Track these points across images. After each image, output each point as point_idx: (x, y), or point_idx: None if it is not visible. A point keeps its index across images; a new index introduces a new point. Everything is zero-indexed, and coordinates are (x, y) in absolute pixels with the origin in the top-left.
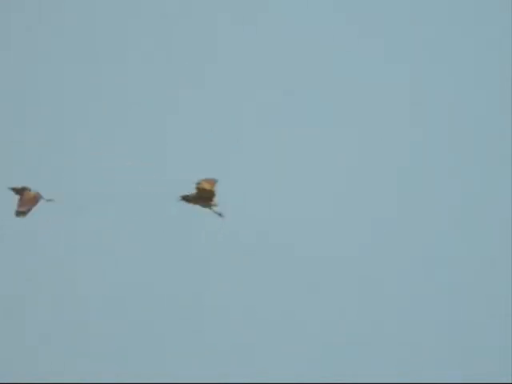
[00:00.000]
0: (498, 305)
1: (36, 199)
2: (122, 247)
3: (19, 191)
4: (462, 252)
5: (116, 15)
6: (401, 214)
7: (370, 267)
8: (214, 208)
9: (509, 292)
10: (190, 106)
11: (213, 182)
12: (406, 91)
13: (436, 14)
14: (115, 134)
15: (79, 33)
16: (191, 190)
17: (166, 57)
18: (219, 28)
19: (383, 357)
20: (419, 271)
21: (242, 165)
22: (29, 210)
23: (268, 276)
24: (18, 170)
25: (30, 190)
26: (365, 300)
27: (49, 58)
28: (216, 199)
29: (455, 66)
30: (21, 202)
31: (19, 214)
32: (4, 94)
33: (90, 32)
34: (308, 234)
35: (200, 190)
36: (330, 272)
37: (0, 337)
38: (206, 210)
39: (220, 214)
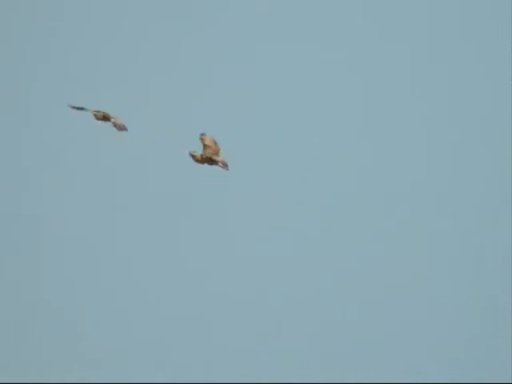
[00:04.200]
0: (498, 309)
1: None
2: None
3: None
4: (457, 249)
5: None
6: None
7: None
8: (220, 163)
9: (509, 296)
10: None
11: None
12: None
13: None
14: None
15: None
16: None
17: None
18: None
19: (383, 357)
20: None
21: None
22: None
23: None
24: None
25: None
26: (365, 299)
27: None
28: (220, 153)
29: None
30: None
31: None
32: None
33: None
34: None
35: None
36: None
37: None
38: (213, 167)
39: (226, 165)
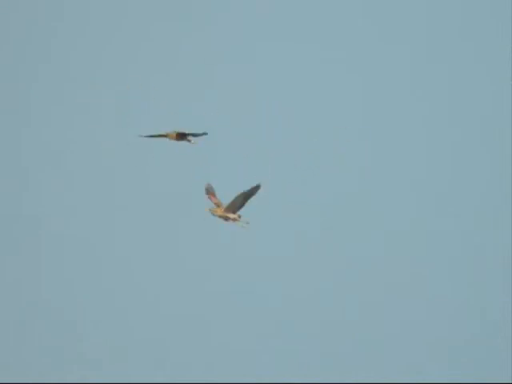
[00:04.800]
0: (498, 309)
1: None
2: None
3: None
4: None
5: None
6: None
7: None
8: (239, 223)
9: (509, 296)
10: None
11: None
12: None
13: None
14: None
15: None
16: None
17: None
18: None
19: (383, 357)
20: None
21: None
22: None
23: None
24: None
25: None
26: (365, 299)
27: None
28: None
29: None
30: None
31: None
32: None
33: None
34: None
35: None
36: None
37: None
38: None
39: (247, 223)
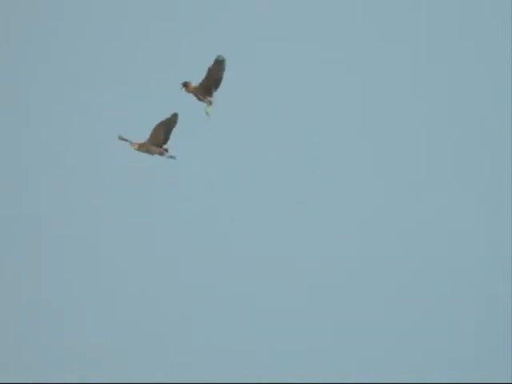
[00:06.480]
0: (498, 306)
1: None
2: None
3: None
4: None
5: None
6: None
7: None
8: (167, 154)
9: (509, 296)
10: None
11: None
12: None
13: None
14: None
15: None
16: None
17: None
18: None
19: (383, 357)
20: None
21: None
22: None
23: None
24: None
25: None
26: (365, 299)
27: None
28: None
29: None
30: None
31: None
32: None
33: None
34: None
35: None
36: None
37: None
38: (159, 156)
39: (172, 157)
